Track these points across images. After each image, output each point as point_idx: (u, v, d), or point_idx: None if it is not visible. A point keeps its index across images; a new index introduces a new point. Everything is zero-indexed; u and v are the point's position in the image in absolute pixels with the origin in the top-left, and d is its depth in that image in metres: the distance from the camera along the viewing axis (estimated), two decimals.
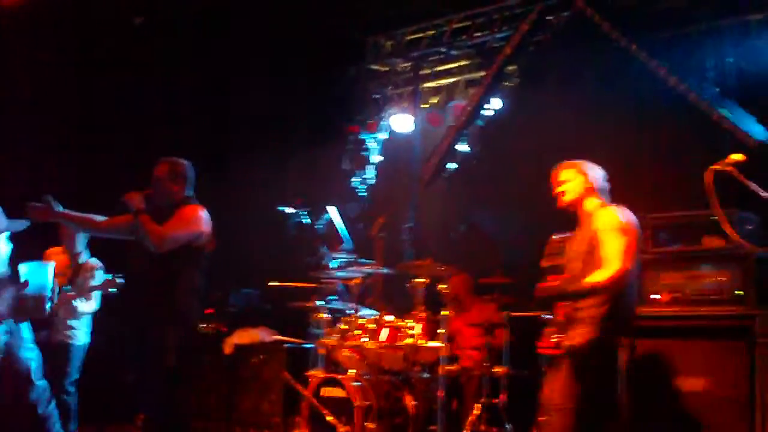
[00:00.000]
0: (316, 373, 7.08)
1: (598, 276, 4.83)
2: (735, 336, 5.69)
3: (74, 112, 9.05)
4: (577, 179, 5.24)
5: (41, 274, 3.57)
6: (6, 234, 3.73)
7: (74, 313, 7.19)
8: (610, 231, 4.93)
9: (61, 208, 5.51)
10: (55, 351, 6.90)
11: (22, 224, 3.75)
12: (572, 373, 4.89)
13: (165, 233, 5.37)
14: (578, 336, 4.91)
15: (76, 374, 7.26)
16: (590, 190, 5.21)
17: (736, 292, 5.82)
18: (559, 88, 8.19)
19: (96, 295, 7.24)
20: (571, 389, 4.87)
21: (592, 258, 4.94)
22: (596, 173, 5.28)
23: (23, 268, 3.74)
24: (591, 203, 5.19)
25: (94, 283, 7.27)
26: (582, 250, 5.05)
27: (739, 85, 7.22)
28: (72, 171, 8.75)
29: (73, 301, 7.12)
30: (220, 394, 8.00)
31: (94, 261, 7.44)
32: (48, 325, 6.91)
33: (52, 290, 3.53)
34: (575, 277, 4.99)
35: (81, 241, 7.41)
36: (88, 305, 7.22)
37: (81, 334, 7.29)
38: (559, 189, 5.27)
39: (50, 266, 3.54)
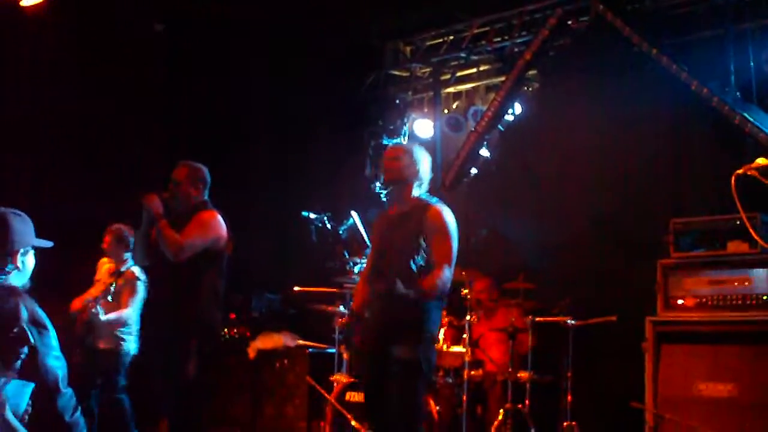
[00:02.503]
0: (340, 378, 7.09)
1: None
2: (761, 341, 5.68)
3: (83, 113, 8.97)
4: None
5: (21, 396, 3.58)
6: (32, 250, 3.80)
7: (105, 323, 7.15)
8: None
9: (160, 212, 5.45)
10: (101, 357, 7.02)
11: (47, 243, 3.83)
12: None
13: (183, 242, 5.36)
14: None
15: (124, 380, 7.21)
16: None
17: (762, 296, 5.81)
18: (579, 92, 8.18)
19: (134, 306, 7.19)
20: None
21: None
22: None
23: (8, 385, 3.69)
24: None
25: (135, 293, 7.19)
26: None
27: (761, 89, 7.19)
28: (77, 175, 8.69)
29: (92, 310, 7.10)
30: (244, 399, 8.03)
31: (136, 270, 7.24)
32: (92, 332, 7.00)
33: (25, 411, 3.56)
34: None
35: (125, 249, 7.33)
36: (115, 314, 7.17)
37: (128, 341, 7.23)
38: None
39: (31, 387, 3.56)
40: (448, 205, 5.10)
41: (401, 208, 5.09)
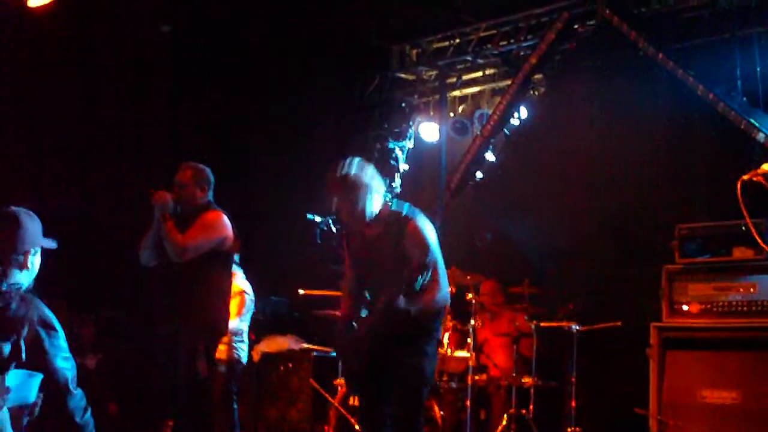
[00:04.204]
0: (344, 382, 7.09)
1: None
2: (766, 348, 5.67)
3: (86, 114, 8.96)
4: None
5: (28, 388, 3.52)
6: (38, 250, 3.81)
7: None
8: None
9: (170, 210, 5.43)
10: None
11: (51, 244, 3.84)
12: None
13: (186, 243, 5.34)
14: None
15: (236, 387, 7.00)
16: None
17: (767, 303, 5.79)
18: (585, 96, 8.18)
19: (243, 317, 6.87)
20: None
21: None
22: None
23: (12, 376, 3.60)
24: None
25: (244, 304, 6.87)
26: None
27: (767, 94, 7.18)
28: (80, 176, 8.68)
29: None
30: (248, 402, 8.01)
31: (240, 282, 6.86)
32: None
33: (34, 404, 3.52)
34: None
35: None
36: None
37: (239, 349, 6.97)
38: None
39: (39, 378, 3.51)
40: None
41: (375, 227, 4.71)
